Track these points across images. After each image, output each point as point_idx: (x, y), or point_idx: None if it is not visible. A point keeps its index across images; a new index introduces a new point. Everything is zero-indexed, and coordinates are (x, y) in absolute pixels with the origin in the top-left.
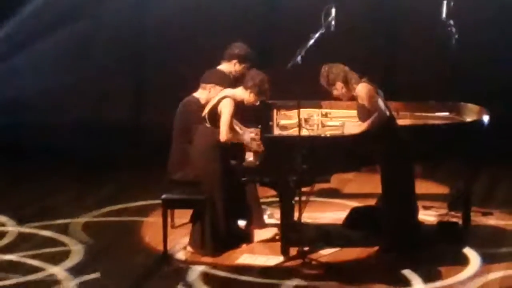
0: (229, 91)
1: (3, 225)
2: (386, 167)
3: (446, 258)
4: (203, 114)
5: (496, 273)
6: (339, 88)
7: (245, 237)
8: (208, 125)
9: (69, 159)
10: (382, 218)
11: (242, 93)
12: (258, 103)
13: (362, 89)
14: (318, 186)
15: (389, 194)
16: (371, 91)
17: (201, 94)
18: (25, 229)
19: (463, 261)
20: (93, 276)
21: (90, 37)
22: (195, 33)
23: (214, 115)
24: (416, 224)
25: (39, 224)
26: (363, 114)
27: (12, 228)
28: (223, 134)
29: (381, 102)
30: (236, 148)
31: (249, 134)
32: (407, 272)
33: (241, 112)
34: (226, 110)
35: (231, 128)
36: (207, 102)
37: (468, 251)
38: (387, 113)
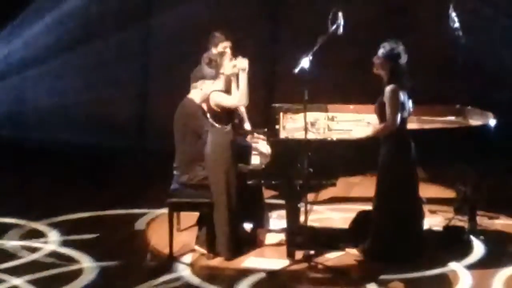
0: (210, 90)
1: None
2: (387, 170)
3: (452, 262)
4: (209, 119)
5: (503, 276)
6: (383, 70)
7: (253, 241)
8: (218, 125)
9: (74, 161)
10: (379, 224)
11: (218, 82)
12: (234, 70)
13: (391, 91)
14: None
15: (390, 199)
16: (398, 99)
17: (194, 94)
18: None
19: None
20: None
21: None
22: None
23: (215, 113)
24: (417, 231)
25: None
26: (381, 113)
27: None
28: (239, 100)
29: (398, 114)
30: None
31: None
32: (413, 276)
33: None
34: (222, 98)
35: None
36: (202, 101)
37: (474, 255)
38: (396, 126)
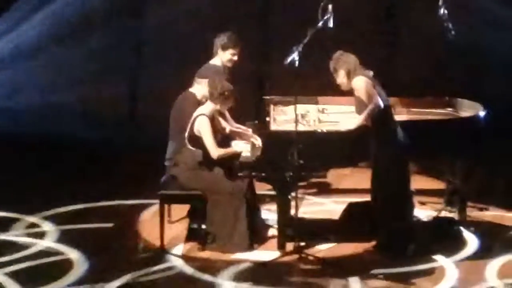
0: (202, 109)
1: None
2: (379, 161)
3: (442, 253)
4: (186, 135)
5: (493, 267)
6: (340, 76)
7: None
8: (190, 147)
9: (67, 153)
10: (376, 216)
11: (212, 106)
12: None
13: (358, 82)
14: (315, 181)
15: (381, 190)
16: (367, 84)
17: (196, 89)
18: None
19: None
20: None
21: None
22: (194, 29)
23: (195, 138)
24: (410, 220)
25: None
26: (361, 107)
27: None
28: (213, 153)
29: (376, 95)
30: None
31: (241, 145)
32: (403, 268)
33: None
34: (203, 130)
35: (219, 143)
36: (202, 97)
37: (464, 246)
38: (382, 104)
